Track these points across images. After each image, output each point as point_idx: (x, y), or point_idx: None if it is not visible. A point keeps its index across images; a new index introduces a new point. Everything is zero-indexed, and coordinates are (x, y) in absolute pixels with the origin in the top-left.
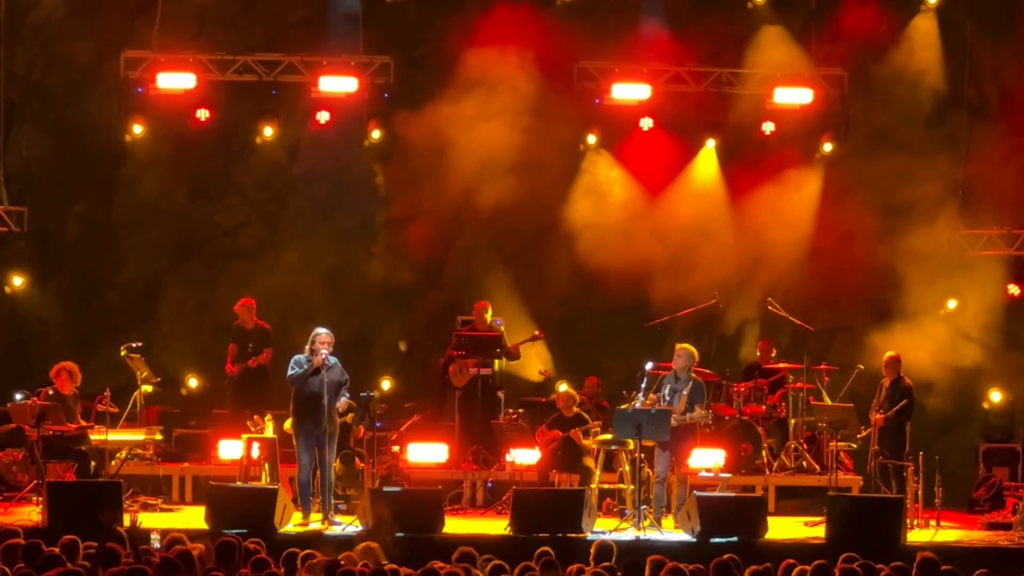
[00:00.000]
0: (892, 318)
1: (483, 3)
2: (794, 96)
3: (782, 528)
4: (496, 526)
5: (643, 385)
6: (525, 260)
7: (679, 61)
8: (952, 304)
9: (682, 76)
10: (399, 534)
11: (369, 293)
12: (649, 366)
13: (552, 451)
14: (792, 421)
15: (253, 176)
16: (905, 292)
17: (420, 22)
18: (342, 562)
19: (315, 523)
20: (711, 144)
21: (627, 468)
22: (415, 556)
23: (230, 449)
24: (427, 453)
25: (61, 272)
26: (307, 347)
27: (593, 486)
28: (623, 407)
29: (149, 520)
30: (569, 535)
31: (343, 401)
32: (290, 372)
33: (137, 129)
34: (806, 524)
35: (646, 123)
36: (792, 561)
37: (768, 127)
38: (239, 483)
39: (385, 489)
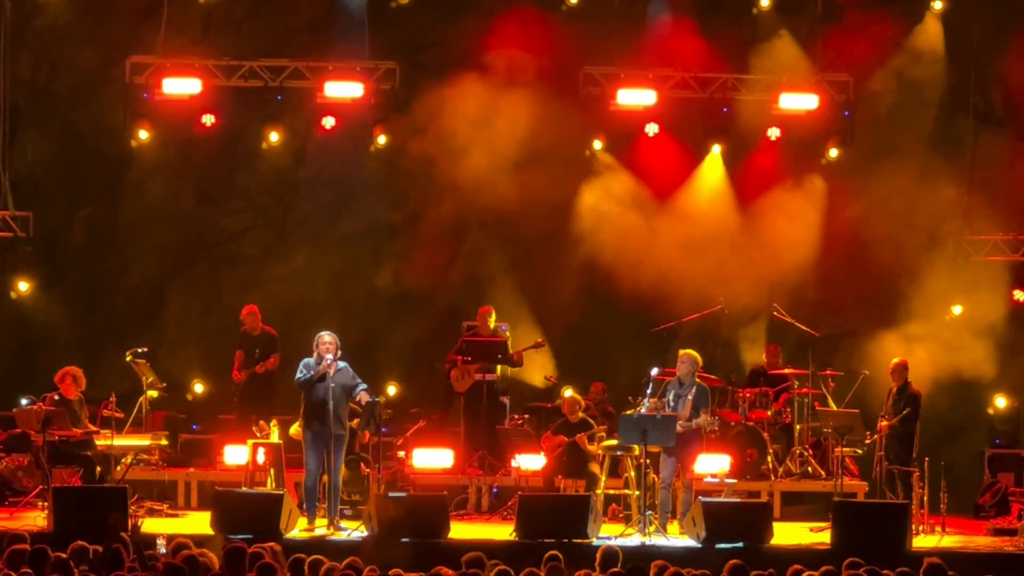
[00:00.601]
0: (897, 324)
1: (489, 8)
2: (799, 102)
3: (787, 534)
4: (502, 531)
5: (648, 391)
6: (531, 265)
7: (685, 67)
8: (957, 310)
9: (688, 82)
10: (404, 539)
11: (374, 298)
12: (655, 372)
13: (557, 456)
14: (797, 427)
15: (259, 181)
16: (910, 298)
17: (426, 27)
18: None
19: (321, 528)
20: (717, 150)
21: (632, 473)
22: (420, 561)
23: (236, 454)
24: (432, 458)
25: (66, 277)
26: (314, 351)
27: (599, 492)
28: (628, 413)
29: (155, 525)
30: (575, 541)
31: (364, 394)
32: (298, 376)
33: (142, 134)
34: (811, 530)
35: (652, 129)
36: (798, 567)
37: (774, 133)
38: (245, 488)
39: (391, 494)
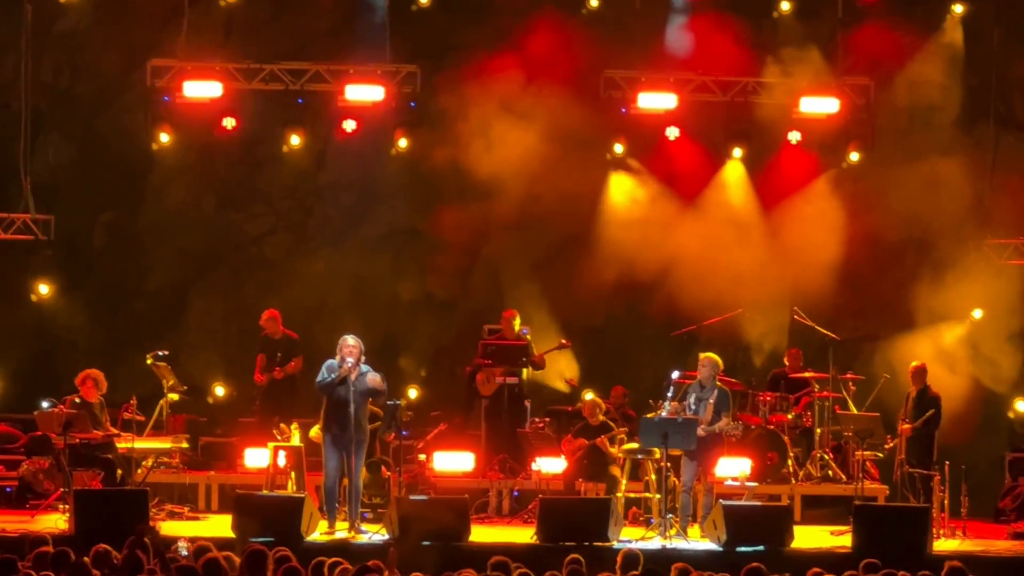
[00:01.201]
0: (918, 327)
1: (509, 12)
2: (820, 105)
3: (808, 537)
4: (522, 535)
5: (669, 394)
6: (552, 269)
7: (705, 70)
8: (978, 313)
9: (708, 85)
10: (425, 543)
11: (396, 302)
12: (676, 375)
13: (578, 460)
14: (818, 430)
15: (279, 185)
16: (931, 301)
17: (447, 31)
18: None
19: (341, 532)
20: (738, 153)
21: (653, 477)
22: (441, 565)
23: (256, 457)
24: (453, 462)
25: (88, 280)
26: (337, 354)
27: (619, 495)
28: (649, 416)
29: (175, 528)
30: (595, 544)
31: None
32: (319, 378)
33: (164, 138)
34: (832, 533)
35: (672, 132)
36: (818, 570)
37: (794, 136)
38: (265, 491)
39: (411, 497)
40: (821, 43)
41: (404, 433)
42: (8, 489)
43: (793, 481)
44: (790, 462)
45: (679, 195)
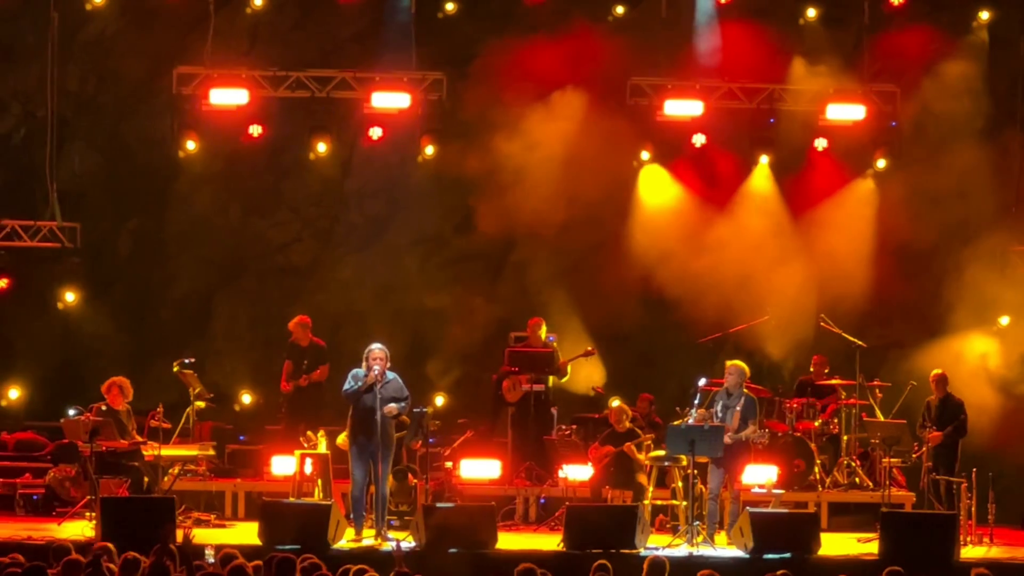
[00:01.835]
0: (945, 334)
1: (535, 19)
2: (846, 112)
3: (835, 544)
4: (549, 542)
5: (696, 401)
6: (578, 276)
7: (731, 77)
8: (1005, 320)
9: (734, 92)
10: (452, 550)
11: (422, 309)
12: (702, 382)
13: (605, 467)
14: (845, 437)
15: (305, 192)
16: (958, 308)
17: (473, 38)
18: None
19: (368, 539)
20: (764, 160)
21: (680, 484)
22: (468, 572)
23: (283, 465)
24: (480, 469)
25: (114, 288)
26: (364, 362)
27: (646, 502)
28: (676, 423)
29: (202, 536)
30: (622, 551)
31: (391, 407)
32: (345, 387)
33: (190, 145)
34: (859, 540)
35: (699, 139)
36: None
37: (821, 143)
38: (292, 499)
39: (438, 505)
40: (847, 50)
41: (431, 440)
42: (35, 497)
43: (820, 488)
44: (817, 469)
45: (705, 202)
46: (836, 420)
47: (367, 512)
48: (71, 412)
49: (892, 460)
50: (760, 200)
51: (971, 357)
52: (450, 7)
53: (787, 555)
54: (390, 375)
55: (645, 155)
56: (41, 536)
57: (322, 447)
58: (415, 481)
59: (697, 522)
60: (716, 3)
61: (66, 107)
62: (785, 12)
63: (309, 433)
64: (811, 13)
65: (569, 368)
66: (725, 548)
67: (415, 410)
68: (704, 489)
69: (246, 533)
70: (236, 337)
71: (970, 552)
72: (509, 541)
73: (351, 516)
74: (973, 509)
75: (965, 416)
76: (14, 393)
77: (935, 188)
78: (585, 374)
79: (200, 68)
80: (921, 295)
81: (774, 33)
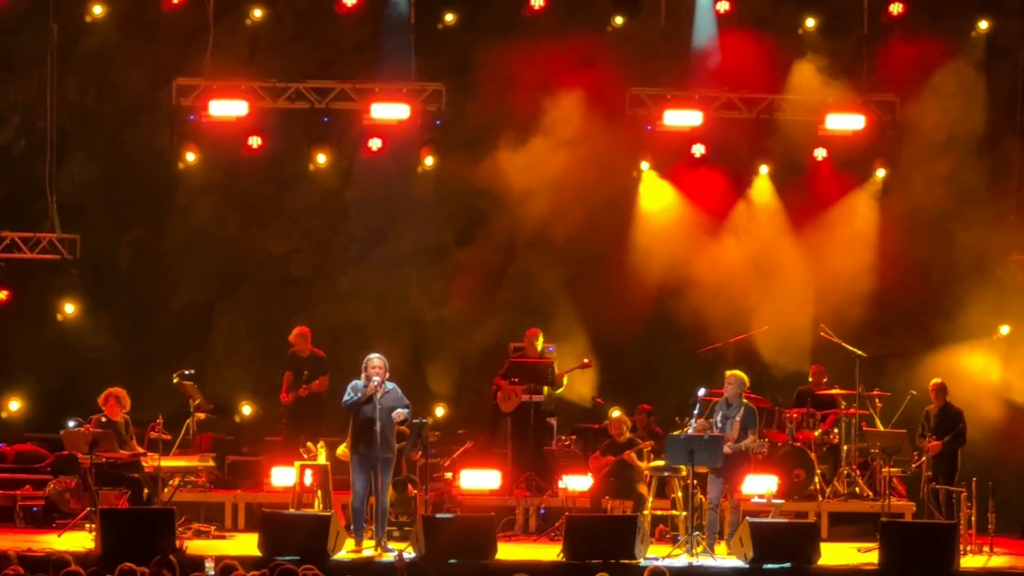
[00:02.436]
0: (945, 344)
1: (534, 29)
2: (846, 122)
3: (835, 554)
4: (549, 552)
5: (695, 411)
6: (578, 287)
7: (730, 87)
8: (1005, 330)
9: (733, 102)
10: (452, 560)
11: (421, 320)
12: (702, 392)
13: (604, 477)
14: (845, 447)
15: (305, 203)
16: (958, 317)
17: (472, 49)
18: None
19: (368, 550)
20: (764, 170)
21: (680, 494)
22: None
23: (283, 476)
24: (479, 479)
25: (114, 299)
26: (363, 373)
27: (646, 512)
28: (676, 433)
29: (202, 547)
30: (622, 561)
31: (399, 412)
32: (345, 398)
33: (189, 156)
34: (859, 550)
35: (698, 149)
36: None
37: (820, 153)
38: (292, 510)
39: (438, 516)
40: (847, 59)
41: (430, 451)
42: (35, 508)
43: (820, 498)
44: (817, 479)
45: (705, 212)
46: (836, 430)
47: (367, 523)
48: (71, 424)
49: (892, 470)
50: (760, 210)
51: (971, 366)
52: (449, 17)
53: (787, 565)
54: (389, 385)
55: (645, 165)
56: (41, 548)
57: (322, 458)
58: (415, 492)
59: (697, 532)
60: (715, 13)
61: (66, 118)
62: (784, 22)
63: (309, 444)
64: (810, 23)
65: (565, 380)
66: (725, 558)
67: (415, 421)
68: (704, 499)
69: (246, 544)
70: (236, 348)
71: (970, 561)
72: (509, 552)
73: (351, 527)
74: (973, 518)
75: (964, 425)
76: (14, 405)
77: (934, 197)
78: (586, 384)
79: (200, 80)
80: (921, 304)
81: (773, 43)
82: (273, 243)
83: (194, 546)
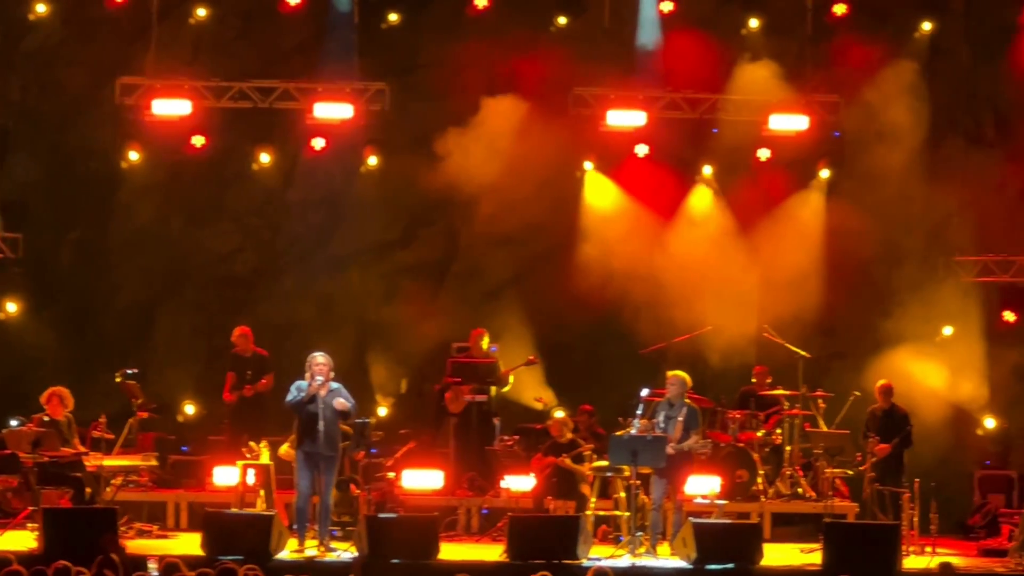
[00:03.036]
0: (888, 345)
1: (478, 29)
2: (789, 123)
3: (778, 555)
4: (492, 552)
5: (639, 412)
6: (522, 287)
7: (674, 87)
8: (947, 331)
9: (677, 102)
10: (395, 561)
11: (365, 319)
12: (645, 392)
13: (547, 477)
14: (787, 448)
15: (248, 203)
16: (901, 319)
17: (415, 48)
18: None
19: (311, 550)
20: (708, 171)
21: (623, 495)
22: None
23: (226, 476)
24: (422, 480)
25: (56, 299)
26: (307, 372)
27: (589, 513)
28: (619, 434)
29: (144, 547)
30: (565, 562)
31: (340, 401)
32: (288, 397)
33: (132, 155)
34: (802, 551)
35: (641, 149)
36: None
37: (764, 153)
38: (235, 509)
39: (381, 515)
40: (790, 60)
41: (373, 451)
42: None
43: (763, 499)
44: (760, 480)
45: (650, 212)
46: (779, 430)
47: (310, 523)
48: (13, 423)
49: (835, 470)
50: (704, 210)
51: (913, 367)
52: (393, 17)
53: (730, 565)
54: (334, 385)
55: (588, 165)
56: None
57: (265, 458)
58: (357, 491)
59: (640, 532)
60: (659, 13)
61: (8, 117)
62: (728, 22)
63: (252, 444)
64: (754, 23)
65: (511, 378)
66: (668, 558)
67: (358, 420)
68: (647, 499)
69: (189, 544)
70: (179, 347)
71: (913, 562)
72: (452, 551)
73: (294, 526)
74: (916, 519)
75: (910, 427)
76: None
77: (878, 198)
78: (530, 384)
79: (143, 79)
80: (864, 305)
81: (717, 43)
82: (216, 242)
83: (137, 546)
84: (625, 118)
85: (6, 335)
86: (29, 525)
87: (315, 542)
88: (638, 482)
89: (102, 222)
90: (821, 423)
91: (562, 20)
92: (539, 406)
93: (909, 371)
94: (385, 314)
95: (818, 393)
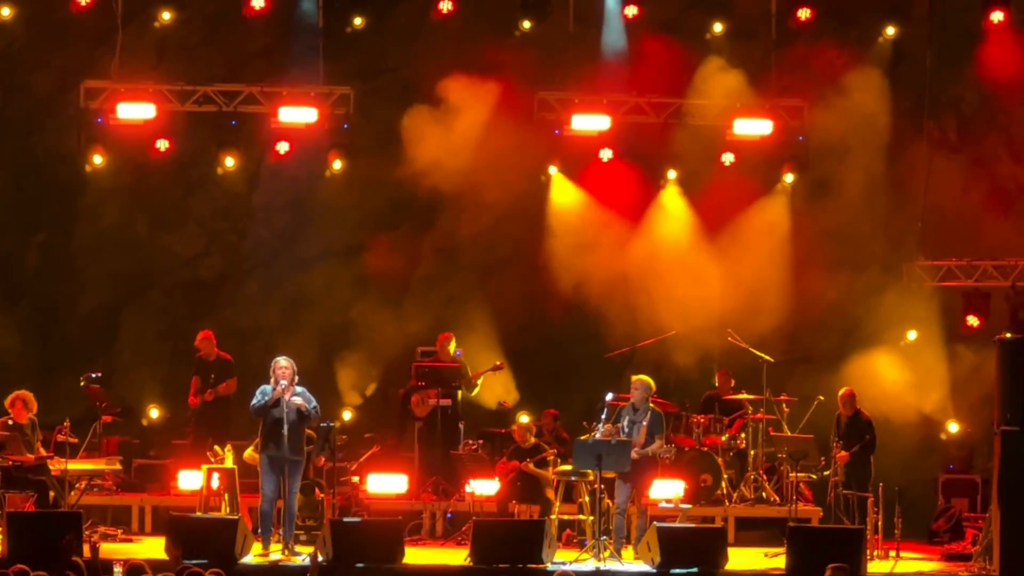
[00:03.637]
0: (852, 349)
1: (443, 34)
2: (754, 127)
3: (742, 559)
4: (456, 557)
5: (603, 416)
6: (486, 291)
7: (638, 92)
8: (912, 335)
9: (642, 107)
10: (359, 565)
11: (330, 324)
12: (609, 396)
13: (511, 482)
14: (752, 452)
15: (213, 206)
16: (865, 323)
17: (380, 53)
18: None
19: (275, 553)
20: (672, 175)
21: (587, 499)
22: None
23: (190, 479)
24: (387, 484)
25: (21, 302)
26: (271, 376)
27: (553, 517)
28: (583, 438)
29: (109, 550)
30: (529, 566)
31: (298, 401)
32: (253, 402)
33: (97, 159)
34: (766, 555)
35: (606, 154)
36: None
37: (728, 158)
38: (199, 513)
39: (345, 520)
40: (754, 64)
41: (337, 455)
42: None
43: (727, 503)
44: (724, 484)
45: (614, 216)
46: (743, 435)
47: (275, 526)
48: None
49: (799, 475)
50: (668, 215)
51: (877, 372)
52: (358, 22)
53: (694, 570)
54: (298, 389)
55: (553, 170)
56: None
57: (229, 461)
58: (322, 496)
59: (604, 537)
60: (624, 18)
61: None
62: (692, 27)
63: (216, 447)
64: (718, 28)
65: (479, 382)
66: (632, 563)
67: (322, 424)
68: (611, 504)
69: (153, 548)
70: (143, 351)
71: (877, 567)
72: (416, 556)
73: (258, 530)
74: (880, 524)
75: (873, 436)
76: None
77: (841, 202)
78: (495, 388)
79: (107, 82)
80: (828, 310)
81: (682, 48)
82: (181, 246)
83: (101, 549)
84: (590, 122)
85: None
86: None
87: (280, 546)
88: (602, 486)
89: (67, 225)
90: (785, 427)
91: (526, 24)
92: (503, 406)
93: (873, 375)
94: (350, 318)
95: (782, 397)
